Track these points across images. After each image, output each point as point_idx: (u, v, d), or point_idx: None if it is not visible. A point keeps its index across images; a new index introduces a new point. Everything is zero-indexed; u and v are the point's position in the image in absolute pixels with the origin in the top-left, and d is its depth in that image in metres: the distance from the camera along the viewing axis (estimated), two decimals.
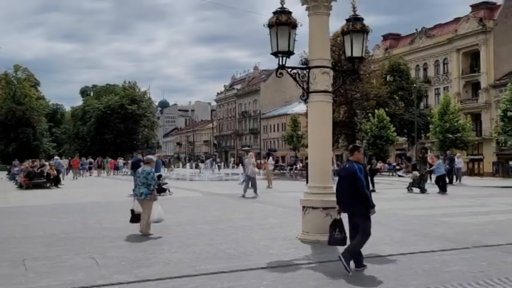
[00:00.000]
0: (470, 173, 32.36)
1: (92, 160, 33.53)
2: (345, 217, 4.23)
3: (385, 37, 47.66)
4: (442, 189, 15.35)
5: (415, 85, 36.94)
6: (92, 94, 55.21)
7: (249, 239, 6.52)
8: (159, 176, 13.95)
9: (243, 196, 14.34)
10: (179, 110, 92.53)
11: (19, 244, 5.84)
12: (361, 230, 4.11)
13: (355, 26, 6.58)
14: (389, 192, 16.29)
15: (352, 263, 3.99)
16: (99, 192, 17.39)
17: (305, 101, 6.40)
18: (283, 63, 6.33)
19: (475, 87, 37.11)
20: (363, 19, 6.69)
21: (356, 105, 35.67)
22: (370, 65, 35.98)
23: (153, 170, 7.29)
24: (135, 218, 6.51)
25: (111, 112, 43.98)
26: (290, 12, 6.25)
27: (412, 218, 9.32)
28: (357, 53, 6.61)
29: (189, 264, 4.65)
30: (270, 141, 54.77)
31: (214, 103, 71.90)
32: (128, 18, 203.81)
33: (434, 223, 8.31)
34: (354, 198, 4.11)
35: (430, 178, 17.48)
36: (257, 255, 5.25)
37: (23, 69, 47.82)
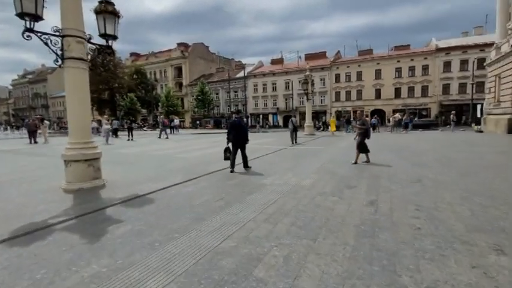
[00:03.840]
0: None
1: None
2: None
3: (131, 54, 67.80)
4: None
5: (150, 81, 55.10)
6: None
7: (2, 198, 4.89)
8: None
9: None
10: None
11: None
12: (244, 151, 7.17)
13: (107, 8, 6.16)
14: (141, 141, 14.74)
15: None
16: None
17: (59, 66, 5.95)
18: (31, 26, 5.12)
19: (181, 85, 58.11)
20: (114, 4, 6.36)
21: (115, 91, 46.94)
22: (124, 69, 49.76)
23: None
24: None
25: None
26: None
27: (158, 156, 9.35)
28: (110, 31, 6.21)
29: None
30: (57, 112, 71.22)
31: (11, 87, 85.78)
32: None
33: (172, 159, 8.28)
34: (243, 137, 7.13)
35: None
36: (2, 222, 3.74)
37: None
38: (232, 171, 6.88)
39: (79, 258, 2.74)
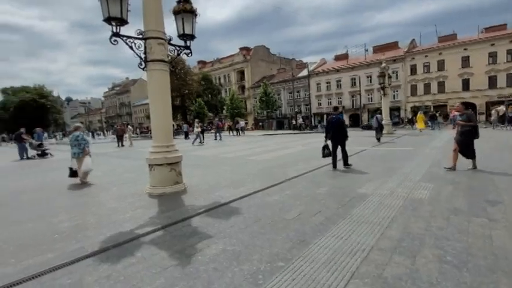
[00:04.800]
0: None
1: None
2: None
3: (199, 62, 68.87)
4: None
5: (215, 86, 57.42)
6: (10, 93, 65.74)
7: (96, 202, 4.97)
8: (40, 145, 14.37)
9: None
10: (80, 103, 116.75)
11: None
12: (345, 149, 7.01)
13: (186, 7, 5.89)
14: (210, 143, 13.77)
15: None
16: None
17: (143, 69, 5.95)
18: (117, 31, 5.11)
19: (243, 88, 58.15)
20: (191, 2, 6.02)
21: (185, 97, 50.02)
22: (193, 76, 51.78)
23: (81, 133, 7.01)
24: (73, 173, 6.78)
25: (26, 104, 57.71)
26: None
27: (231, 159, 9.30)
28: (188, 31, 5.94)
29: None
30: (138, 118, 79.66)
31: (103, 98, 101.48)
32: (35, 48, 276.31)
33: (245, 162, 8.32)
34: (342, 135, 6.91)
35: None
36: (94, 229, 3.61)
37: None
38: (334, 169, 6.84)
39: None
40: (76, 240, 3.31)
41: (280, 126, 49.26)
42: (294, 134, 28.35)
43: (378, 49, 45.56)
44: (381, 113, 14.57)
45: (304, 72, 47.72)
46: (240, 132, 29.78)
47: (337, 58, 50.37)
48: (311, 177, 6.24)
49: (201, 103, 47.50)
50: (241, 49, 60.75)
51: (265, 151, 12.26)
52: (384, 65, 18.21)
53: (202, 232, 3.38)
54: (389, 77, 18.81)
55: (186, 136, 27.21)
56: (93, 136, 43.75)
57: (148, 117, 62.24)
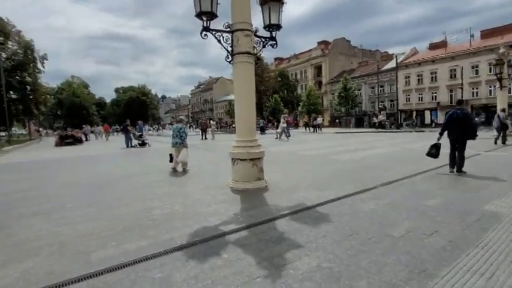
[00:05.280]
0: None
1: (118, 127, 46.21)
2: None
3: (275, 59, 68.02)
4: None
5: (291, 82, 57.93)
6: (121, 91, 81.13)
7: (183, 191, 5.16)
8: (140, 135, 16.49)
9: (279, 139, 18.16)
10: (172, 100, 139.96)
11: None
12: (463, 152, 5.97)
13: None
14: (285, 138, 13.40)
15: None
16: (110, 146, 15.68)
17: (230, 63, 5.92)
18: (207, 25, 5.12)
19: (320, 84, 56.57)
20: None
21: (262, 93, 49.91)
22: (270, 73, 52.24)
23: (184, 126, 7.75)
24: (172, 159, 7.60)
25: (132, 101, 71.05)
26: None
27: (310, 157, 8.60)
28: (274, 20, 5.66)
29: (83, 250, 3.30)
30: (219, 114, 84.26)
31: (190, 96, 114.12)
32: (139, 53, 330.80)
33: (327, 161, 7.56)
34: (470, 133, 5.87)
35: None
36: (181, 220, 3.66)
37: (77, 77, 72.17)
38: (451, 171, 6.00)
39: None
40: (166, 230, 3.34)
41: (359, 123, 45.82)
42: (377, 132, 25.69)
43: (488, 33, 37.63)
44: (504, 110, 11.73)
45: (391, 65, 42.99)
46: (317, 129, 28.63)
47: (433, 47, 43.69)
48: (412, 183, 5.23)
49: (277, 99, 48.03)
50: (320, 43, 58.44)
51: (347, 150, 11.24)
52: (502, 50, 14.65)
53: (290, 239, 3.00)
54: (510, 65, 15.06)
55: (262, 131, 27.61)
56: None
57: (227, 112, 66.16)
